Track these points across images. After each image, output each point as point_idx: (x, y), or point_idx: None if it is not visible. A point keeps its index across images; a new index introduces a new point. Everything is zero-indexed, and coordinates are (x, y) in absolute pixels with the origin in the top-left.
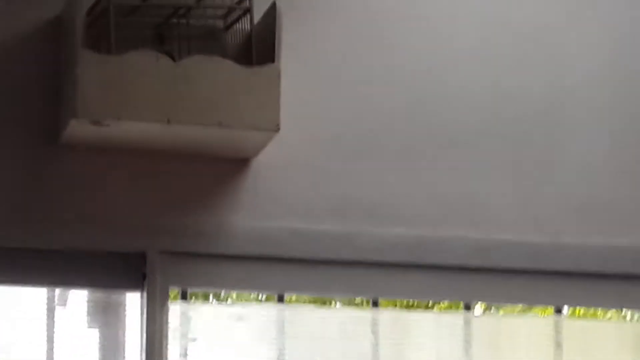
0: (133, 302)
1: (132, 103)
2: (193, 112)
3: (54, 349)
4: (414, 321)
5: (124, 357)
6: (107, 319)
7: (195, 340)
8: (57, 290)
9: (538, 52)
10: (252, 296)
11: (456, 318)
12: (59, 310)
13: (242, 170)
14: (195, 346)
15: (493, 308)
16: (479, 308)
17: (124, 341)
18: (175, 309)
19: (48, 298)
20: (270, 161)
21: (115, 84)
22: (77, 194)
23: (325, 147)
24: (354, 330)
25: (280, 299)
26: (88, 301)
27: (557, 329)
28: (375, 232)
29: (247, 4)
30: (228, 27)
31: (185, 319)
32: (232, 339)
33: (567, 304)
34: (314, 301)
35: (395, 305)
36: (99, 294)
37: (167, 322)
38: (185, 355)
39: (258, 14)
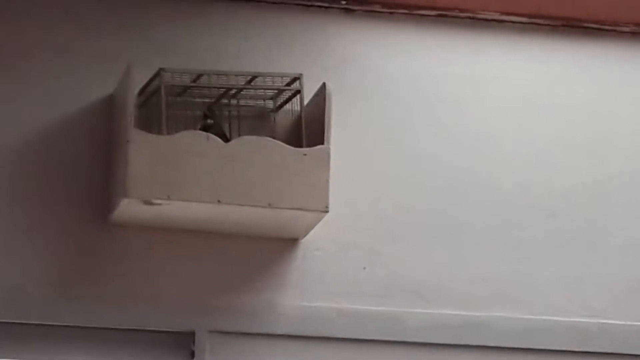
0: None
1: (182, 183)
2: (243, 193)
3: None
4: None
5: None
6: None
7: None
8: None
9: (585, 135)
10: None
11: None
12: None
13: (291, 250)
14: None
15: None
16: None
17: None
18: None
19: None
20: (319, 242)
21: (166, 163)
22: (127, 273)
23: (373, 228)
24: None
25: None
26: None
27: None
28: (422, 313)
29: (297, 85)
30: (278, 108)
31: None
32: None
33: None
34: None
35: None
36: None
37: None
38: None
39: (308, 95)
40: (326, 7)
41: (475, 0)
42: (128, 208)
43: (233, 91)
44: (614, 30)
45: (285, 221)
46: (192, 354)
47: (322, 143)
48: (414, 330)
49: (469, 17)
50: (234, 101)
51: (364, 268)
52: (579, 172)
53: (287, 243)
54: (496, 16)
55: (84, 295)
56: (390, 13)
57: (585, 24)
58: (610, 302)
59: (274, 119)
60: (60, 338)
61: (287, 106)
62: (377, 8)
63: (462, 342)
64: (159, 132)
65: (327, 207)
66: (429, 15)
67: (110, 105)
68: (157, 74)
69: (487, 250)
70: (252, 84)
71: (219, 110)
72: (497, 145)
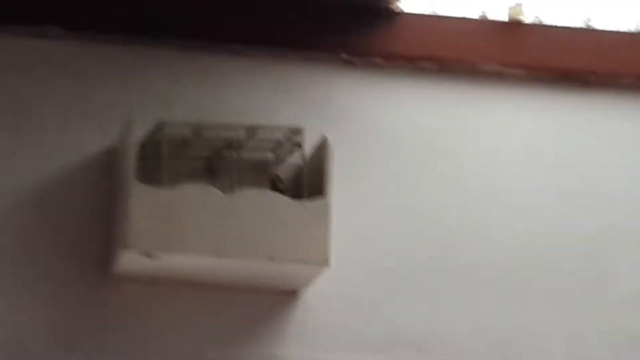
0: None
1: (183, 236)
2: (243, 246)
3: None
4: None
5: None
6: None
7: None
8: None
9: (585, 187)
10: None
11: None
12: None
13: (291, 302)
14: None
15: None
16: None
17: None
18: None
19: None
20: (319, 293)
21: (167, 216)
22: (128, 325)
23: (373, 280)
24: None
25: None
26: None
27: None
28: None
29: (298, 138)
30: (279, 161)
31: None
32: None
33: None
34: None
35: None
36: None
37: None
38: None
39: (309, 148)
40: (327, 60)
41: (475, 53)
42: (129, 261)
43: (234, 144)
44: (613, 84)
45: (286, 273)
46: None
47: (323, 196)
48: None
49: (469, 70)
50: (235, 153)
51: (364, 320)
52: (578, 225)
53: (287, 295)
54: (496, 69)
55: (85, 347)
56: (390, 65)
57: (584, 77)
58: (610, 356)
59: (275, 171)
60: None
61: (288, 159)
62: (377, 60)
63: None
64: (160, 185)
65: (327, 259)
66: (429, 68)
67: (111, 158)
68: (158, 126)
69: (488, 303)
70: (253, 136)
71: (220, 162)
72: (497, 198)
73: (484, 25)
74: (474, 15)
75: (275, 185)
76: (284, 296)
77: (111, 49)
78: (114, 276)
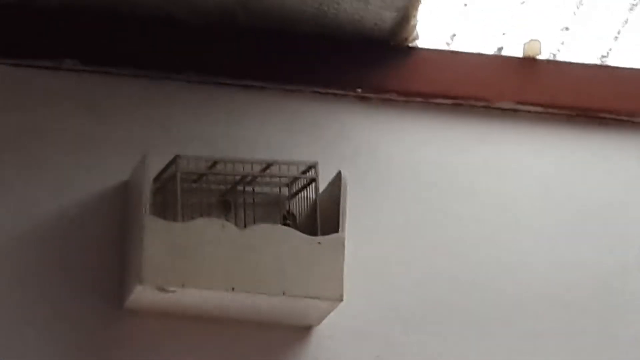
0: None
1: (197, 270)
2: (257, 281)
3: None
4: None
5: None
6: None
7: None
8: None
9: (601, 224)
10: None
11: None
12: None
13: (305, 338)
14: None
15: None
16: None
17: None
18: None
19: None
20: (333, 329)
21: (181, 251)
22: (141, 359)
23: (387, 316)
24: None
25: None
26: None
27: None
28: None
29: (312, 173)
30: (293, 196)
31: None
32: None
33: None
34: None
35: None
36: None
37: None
38: None
39: (323, 183)
40: (342, 95)
41: (490, 90)
42: (142, 295)
43: (248, 178)
44: (630, 121)
45: (299, 309)
46: None
47: (337, 231)
48: None
49: (485, 107)
50: (249, 188)
51: (377, 357)
52: (594, 263)
53: (300, 331)
54: (512, 106)
55: None
56: (406, 101)
57: (601, 114)
58: None
59: (289, 206)
60: None
61: (302, 194)
62: (393, 96)
63: None
64: (174, 219)
65: (341, 295)
66: (444, 104)
67: (125, 192)
68: (173, 161)
69: (502, 341)
70: (268, 171)
71: (234, 197)
72: (513, 235)
73: (500, 61)
74: (490, 51)
75: (286, 221)
76: (297, 331)
77: (127, 83)
78: (127, 310)
